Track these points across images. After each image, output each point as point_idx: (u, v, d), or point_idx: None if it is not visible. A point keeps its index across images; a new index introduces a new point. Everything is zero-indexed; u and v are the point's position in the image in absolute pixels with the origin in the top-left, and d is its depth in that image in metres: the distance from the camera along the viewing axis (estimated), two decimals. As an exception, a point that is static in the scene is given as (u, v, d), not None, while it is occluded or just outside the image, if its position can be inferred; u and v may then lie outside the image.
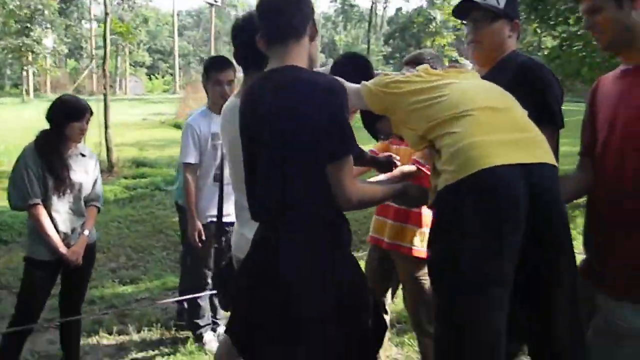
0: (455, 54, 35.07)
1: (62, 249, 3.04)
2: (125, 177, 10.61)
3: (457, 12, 2.14)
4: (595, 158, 1.78)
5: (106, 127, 11.02)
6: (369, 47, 38.85)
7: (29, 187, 2.96)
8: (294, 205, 1.68)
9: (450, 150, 1.61)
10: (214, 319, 3.87)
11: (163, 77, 65.07)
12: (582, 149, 1.90)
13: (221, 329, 3.84)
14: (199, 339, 3.74)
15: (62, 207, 3.07)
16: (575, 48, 8.28)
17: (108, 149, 11.09)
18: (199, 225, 3.55)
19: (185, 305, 4.14)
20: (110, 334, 4.03)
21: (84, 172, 3.18)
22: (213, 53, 47.35)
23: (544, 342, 1.63)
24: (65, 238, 3.08)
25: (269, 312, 1.69)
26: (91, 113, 3.15)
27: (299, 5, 1.75)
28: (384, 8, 42.09)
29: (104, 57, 10.83)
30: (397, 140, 2.72)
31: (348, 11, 43.94)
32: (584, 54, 7.84)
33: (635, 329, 1.63)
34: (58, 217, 3.05)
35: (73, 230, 3.12)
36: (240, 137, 1.83)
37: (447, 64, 3.64)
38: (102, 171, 10.42)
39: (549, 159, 1.63)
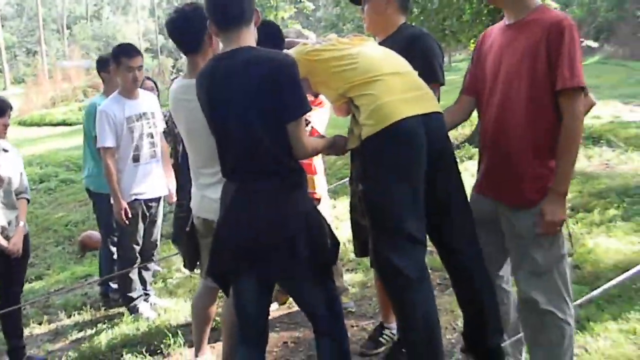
0: (298, 26, 36.05)
1: (3, 242, 3.17)
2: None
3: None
4: (480, 95, 2.37)
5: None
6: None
7: (-38, 186, 3.04)
8: (266, 159, 2.13)
9: (369, 109, 2.16)
10: (145, 291, 4.14)
11: (-14, 73, 58.70)
12: (464, 88, 2.50)
13: (152, 299, 4.14)
14: (134, 310, 3.99)
15: (-5, 201, 3.19)
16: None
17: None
18: (124, 204, 3.79)
19: (111, 285, 4.39)
20: (40, 324, 4.14)
21: (10, 166, 3.30)
22: (43, 42, 43.70)
23: (443, 243, 2.28)
24: (3, 231, 3.21)
25: (256, 245, 2.16)
26: (11, 108, 3.26)
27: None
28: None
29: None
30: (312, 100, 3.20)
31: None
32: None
33: (518, 223, 2.27)
34: (-7, 211, 3.17)
35: (9, 223, 3.25)
36: (207, 109, 2.22)
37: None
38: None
39: (438, 108, 2.26)
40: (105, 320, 4.03)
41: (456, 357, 2.83)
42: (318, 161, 3.44)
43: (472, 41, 9.49)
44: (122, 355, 3.31)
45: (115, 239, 4.18)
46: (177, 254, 4.64)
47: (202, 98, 2.24)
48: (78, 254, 5.98)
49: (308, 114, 2.19)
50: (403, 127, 2.09)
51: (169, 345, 3.34)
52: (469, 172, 5.93)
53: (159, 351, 3.34)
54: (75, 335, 3.88)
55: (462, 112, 2.48)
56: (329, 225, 2.34)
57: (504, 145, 2.22)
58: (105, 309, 4.28)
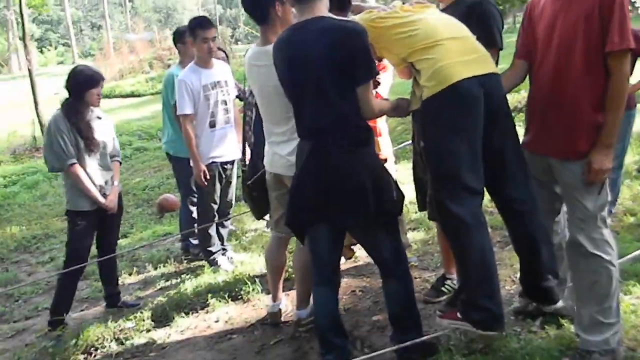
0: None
1: (102, 199, 3.58)
2: (67, 150, 10.67)
3: None
4: (534, 60, 2.52)
5: (36, 104, 10.93)
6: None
7: (65, 150, 3.44)
8: (338, 119, 2.37)
9: (429, 71, 2.33)
10: (222, 246, 4.50)
11: (55, 48, 61.32)
12: (517, 53, 2.65)
13: (229, 254, 4.50)
14: (213, 263, 4.36)
15: (93, 164, 3.58)
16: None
17: (42, 125, 11.01)
18: (203, 166, 4.11)
19: (191, 241, 4.79)
20: (130, 275, 4.60)
21: (105, 132, 3.68)
22: (107, 16, 45.11)
23: (501, 194, 2.45)
24: (101, 190, 3.60)
25: (329, 197, 2.41)
26: (103, 79, 3.62)
27: None
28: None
29: (23, 33, 10.62)
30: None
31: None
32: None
33: (568, 175, 2.44)
34: (92, 173, 3.57)
35: (106, 182, 3.65)
36: (284, 74, 2.46)
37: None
38: (39, 148, 10.55)
39: (494, 69, 2.41)
40: (188, 272, 4.43)
41: (514, 305, 3.00)
42: (382, 124, 3.63)
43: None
44: (207, 300, 3.67)
45: (195, 199, 4.55)
46: (248, 211, 4.97)
47: (279, 64, 2.48)
48: (157, 215, 6.45)
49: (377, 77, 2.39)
50: (462, 87, 2.26)
51: (248, 292, 3.68)
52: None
53: (239, 297, 3.68)
54: (163, 284, 4.30)
55: (516, 76, 2.63)
56: (395, 180, 2.56)
57: (560, 101, 2.35)
58: (187, 263, 4.69)
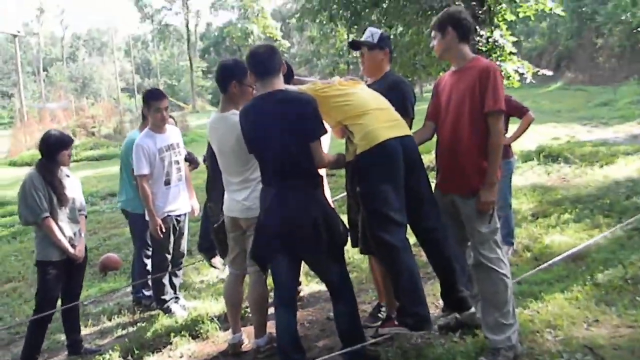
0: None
1: (72, 249, 3.92)
2: (-6, 218, 10.52)
3: (350, 46, 3.62)
4: (438, 121, 3.29)
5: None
6: (191, 64, 39.51)
7: (39, 204, 3.80)
8: (297, 168, 2.97)
9: (361, 133, 3.01)
10: (175, 295, 4.86)
11: (-39, 117, 58.59)
12: (427, 116, 3.40)
13: (182, 301, 4.87)
14: (167, 310, 4.70)
15: (64, 217, 3.95)
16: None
17: (-36, 194, 10.82)
18: (159, 220, 4.53)
19: (144, 292, 5.10)
20: (85, 326, 4.82)
21: (73, 188, 4.07)
22: (21, 83, 44.01)
23: (419, 225, 3.11)
24: (71, 241, 3.95)
25: (289, 232, 2.97)
26: (72, 142, 4.05)
27: (276, 55, 3.05)
28: (196, 25, 43.27)
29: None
30: None
31: (164, 31, 44.10)
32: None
33: (466, 208, 3.15)
34: (63, 226, 3.92)
35: (74, 234, 4.00)
36: (250, 135, 3.05)
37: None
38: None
39: (409, 132, 3.13)
40: (143, 321, 4.73)
41: (439, 323, 3.62)
42: (322, 172, 4.24)
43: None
44: (169, 340, 4.02)
45: (149, 252, 4.92)
46: (197, 262, 5.38)
47: (245, 127, 3.08)
48: (100, 274, 6.63)
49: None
50: (387, 145, 2.96)
51: (207, 330, 4.08)
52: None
53: (199, 335, 4.06)
54: (120, 332, 4.58)
55: (426, 133, 3.39)
56: (339, 216, 3.17)
57: (456, 151, 3.12)
58: (140, 313, 4.98)
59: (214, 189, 4.01)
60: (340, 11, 10.72)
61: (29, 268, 7.33)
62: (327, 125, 3.84)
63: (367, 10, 10.69)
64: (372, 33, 3.54)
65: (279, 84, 3.06)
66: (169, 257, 4.71)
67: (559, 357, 3.07)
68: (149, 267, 4.96)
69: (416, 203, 3.04)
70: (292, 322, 3.16)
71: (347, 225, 3.69)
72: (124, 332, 4.59)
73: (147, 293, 5.08)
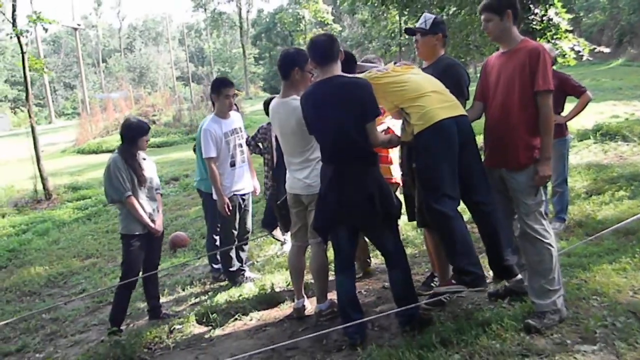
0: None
1: (152, 224, 4.37)
2: (69, 201, 11.33)
3: (406, 32, 3.87)
4: (487, 101, 3.50)
5: (38, 159, 11.60)
6: (244, 51, 40.18)
7: (123, 184, 4.25)
8: (354, 147, 3.27)
9: (419, 114, 3.26)
10: (241, 267, 5.28)
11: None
12: (476, 96, 3.61)
13: (247, 273, 5.28)
14: (234, 282, 5.13)
15: (143, 196, 4.40)
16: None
17: (43, 179, 11.66)
18: (226, 199, 4.93)
19: (213, 265, 5.55)
20: (162, 296, 5.30)
21: (150, 169, 4.51)
22: (83, 75, 46.04)
23: (470, 199, 3.35)
24: (150, 217, 4.40)
25: (348, 205, 3.28)
26: (150, 128, 4.48)
27: (335, 44, 3.36)
28: (247, 12, 43.90)
29: (27, 93, 11.43)
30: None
31: (217, 19, 45.00)
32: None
33: (513, 182, 3.37)
34: (143, 203, 4.38)
35: (153, 210, 4.45)
36: (311, 116, 3.36)
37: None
38: (40, 200, 11.20)
39: (463, 112, 3.35)
40: (213, 291, 5.18)
41: (488, 290, 3.85)
42: (394, 154, 4.40)
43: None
44: (239, 307, 4.42)
45: (218, 229, 5.35)
46: (255, 239, 5.78)
47: (306, 110, 3.40)
48: (170, 251, 7.17)
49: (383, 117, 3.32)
50: (442, 125, 3.20)
51: (274, 298, 4.45)
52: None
53: (266, 303, 4.44)
54: (194, 300, 5.04)
55: (475, 113, 3.60)
56: (392, 191, 3.46)
57: (505, 128, 3.32)
58: (210, 284, 5.44)
59: (278, 169, 4.36)
60: (393, -6, 10.86)
61: (105, 246, 8.01)
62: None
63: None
64: (425, 19, 3.76)
65: (337, 70, 3.35)
66: (235, 232, 5.11)
67: (603, 321, 3.25)
68: (217, 243, 5.39)
69: (468, 178, 3.28)
70: (351, 286, 3.48)
71: (404, 200, 3.98)
72: (197, 300, 5.04)
73: (216, 266, 5.52)
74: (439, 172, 3.19)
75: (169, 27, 69.42)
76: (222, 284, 5.35)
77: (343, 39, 42.83)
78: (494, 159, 3.45)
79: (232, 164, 5.00)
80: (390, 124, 4.10)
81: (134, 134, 4.35)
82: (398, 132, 4.24)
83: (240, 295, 4.72)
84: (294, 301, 4.19)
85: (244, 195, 5.11)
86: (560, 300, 3.32)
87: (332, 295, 4.01)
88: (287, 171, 3.93)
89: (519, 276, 3.55)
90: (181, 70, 67.99)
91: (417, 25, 3.79)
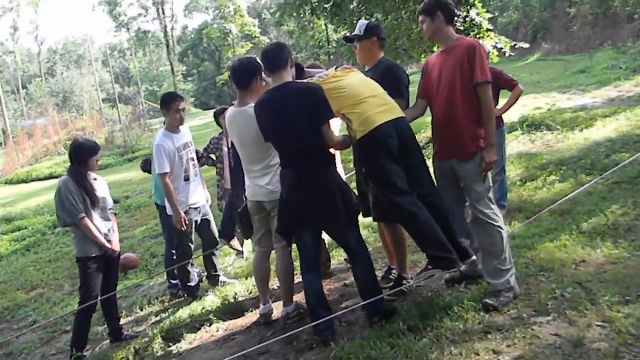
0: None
1: (108, 244, 4.32)
2: (4, 233, 10.85)
3: (345, 40, 4.03)
4: (430, 98, 3.71)
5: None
6: (172, 69, 39.61)
7: (75, 206, 4.18)
8: (312, 149, 3.38)
9: (359, 120, 3.42)
10: (215, 273, 5.31)
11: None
12: (418, 94, 3.82)
13: (222, 278, 5.33)
14: (194, 296, 5.12)
15: (97, 216, 4.33)
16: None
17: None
18: (182, 213, 4.92)
19: (171, 281, 5.51)
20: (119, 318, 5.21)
21: (102, 189, 4.45)
22: (3, 104, 43.90)
23: (418, 190, 3.52)
24: (106, 237, 4.34)
25: (310, 206, 3.39)
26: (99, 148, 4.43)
27: (284, 51, 3.47)
28: (172, 29, 43.35)
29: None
30: None
31: (143, 38, 44.16)
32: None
33: (463, 171, 3.59)
34: (98, 224, 4.31)
35: (108, 230, 4.39)
36: (266, 123, 3.45)
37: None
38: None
39: (401, 114, 3.53)
40: (174, 308, 5.14)
41: (445, 277, 4.06)
42: (337, 154, 4.57)
43: (422, 55, 10.99)
44: (203, 320, 4.42)
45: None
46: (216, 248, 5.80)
47: (262, 116, 3.48)
48: (121, 273, 7.02)
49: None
50: (382, 128, 3.38)
51: (236, 307, 4.49)
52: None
53: (230, 313, 4.46)
54: (154, 319, 4.99)
55: (418, 111, 3.82)
56: (351, 189, 3.60)
57: (452, 122, 3.55)
58: (169, 301, 5.39)
59: (234, 177, 4.41)
60: (322, 3, 11.09)
61: (49, 275, 7.75)
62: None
63: (346, 1, 11.07)
64: (360, 26, 3.95)
65: (288, 77, 3.46)
66: (192, 246, 5.12)
67: (552, 293, 3.51)
68: (174, 257, 5.36)
69: (412, 173, 3.45)
70: (318, 284, 3.59)
71: (359, 197, 4.12)
72: (157, 318, 4.99)
73: (173, 282, 5.48)
74: (387, 170, 3.36)
75: (91, 48, 67.39)
76: (180, 300, 5.31)
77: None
78: (443, 151, 3.66)
79: (186, 178, 5.01)
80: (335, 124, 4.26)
81: (85, 154, 4.29)
82: (337, 132, 4.40)
83: (203, 308, 4.72)
84: (258, 308, 4.24)
85: (198, 208, 5.12)
86: (513, 279, 3.56)
87: (297, 298, 4.11)
88: (246, 179, 3.99)
89: (474, 257, 3.76)
90: (107, 91, 66.07)
91: (354, 32, 3.98)
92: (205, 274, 5.38)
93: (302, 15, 13.16)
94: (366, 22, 4.06)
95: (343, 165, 4.73)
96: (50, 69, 74.40)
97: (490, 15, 10.86)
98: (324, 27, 27.77)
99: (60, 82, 68.62)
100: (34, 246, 9.65)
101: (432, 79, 3.68)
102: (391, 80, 3.78)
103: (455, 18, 9.94)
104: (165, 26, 40.52)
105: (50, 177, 17.78)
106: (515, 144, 9.33)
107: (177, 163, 4.93)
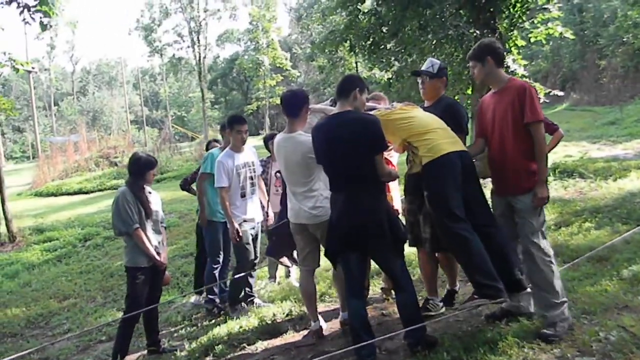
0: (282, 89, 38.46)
1: (157, 257, 4.45)
2: (36, 243, 11.06)
3: (413, 73, 4.20)
4: (487, 136, 3.84)
5: (2, 201, 11.33)
6: (203, 96, 40.38)
7: (131, 217, 4.34)
8: (364, 176, 3.51)
9: (427, 147, 3.59)
10: (250, 294, 5.41)
11: (-26, 152, 59.49)
12: (476, 134, 3.98)
13: (257, 301, 5.42)
14: (235, 311, 5.20)
15: (150, 228, 4.48)
16: (406, 79, 11.13)
17: (7, 221, 11.37)
18: (237, 226, 5.07)
19: (209, 296, 5.61)
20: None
21: (156, 203, 4.61)
22: (36, 119, 45.07)
23: (473, 223, 3.62)
24: (156, 249, 4.48)
25: (359, 231, 3.50)
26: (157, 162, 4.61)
27: (354, 83, 3.67)
28: (204, 57, 44.52)
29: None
30: None
31: (176, 64, 45.30)
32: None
33: (519, 204, 3.68)
34: (150, 236, 4.46)
35: (159, 243, 4.53)
36: (322, 146, 3.60)
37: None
38: (4, 243, 10.97)
39: (464, 147, 3.69)
40: (208, 326, 5.22)
41: (485, 313, 4.10)
42: (394, 184, 4.58)
43: (456, 96, 11.17)
44: (242, 338, 4.49)
45: (218, 258, 5.49)
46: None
47: (319, 138, 3.64)
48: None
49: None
50: (449, 156, 3.54)
51: (277, 328, 4.55)
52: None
53: (269, 333, 4.53)
54: (189, 335, 5.06)
55: (479, 148, 3.95)
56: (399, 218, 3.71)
57: (506, 159, 3.68)
58: (202, 320, 5.47)
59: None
60: (360, 41, 11.38)
61: (81, 286, 7.90)
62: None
63: (385, 40, 11.35)
64: (432, 64, 4.16)
65: (349, 106, 3.63)
66: (252, 259, 5.24)
67: (596, 336, 3.54)
68: (216, 272, 5.49)
69: (471, 204, 3.57)
70: (362, 309, 3.66)
71: (409, 227, 4.22)
72: (193, 335, 5.07)
73: (211, 296, 5.63)
74: (448, 197, 3.48)
75: (123, 71, 69.10)
76: (213, 320, 5.39)
77: (299, 84, 43.75)
78: (501, 187, 3.79)
79: (243, 195, 5.22)
80: (386, 155, 4.40)
81: (143, 168, 4.47)
82: (394, 162, 4.53)
83: (240, 327, 4.79)
84: (296, 330, 4.31)
85: (253, 223, 5.28)
86: (567, 310, 3.64)
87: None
88: (289, 201, 4.13)
89: (528, 289, 3.80)
90: (135, 113, 67.46)
91: (424, 68, 4.18)
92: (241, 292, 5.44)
93: (340, 51, 13.49)
94: (438, 61, 4.27)
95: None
96: (83, 88, 76.24)
97: (526, 62, 11.03)
98: (354, 64, 28.19)
99: (92, 102, 70.25)
100: (65, 257, 9.84)
101: (486, 118, 3.83)
102: (453, 116, 3.95)
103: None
104: (199, 54, 41.49)
105: (80, 192, 18.15)
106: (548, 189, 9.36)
107: (234, 180, 5.14)
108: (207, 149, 6.35)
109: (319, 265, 4.21)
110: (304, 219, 4.00)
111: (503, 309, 4.02)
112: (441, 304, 4.38)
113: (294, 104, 4.02)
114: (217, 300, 5.52)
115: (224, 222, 5.39)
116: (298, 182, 4.00)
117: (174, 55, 43.87)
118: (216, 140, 6.43)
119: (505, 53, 10.58)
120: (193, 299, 6.19)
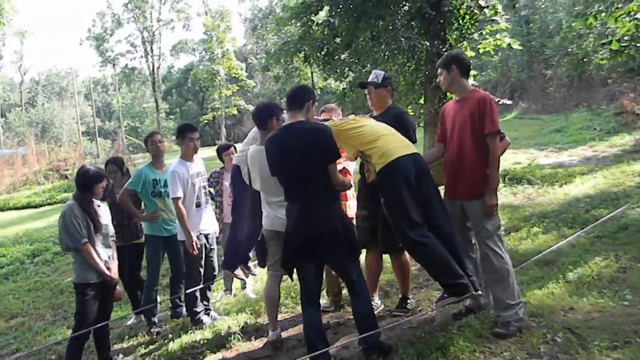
0: (241, 102, 38.24)
1: (107, 272, 4.34)
2: (-20, 261, 10.60)
3: (360, 85, 4.27)
4: (446, 142, 3.94)
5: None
6: (157, 106, 39.83)
7: (79, 231, 4.22)
8: (317, 187, 3.53)
9: (378, 154, 3.65)
10: (207, 306, 5.33)
11: None
12: (437, 139, 4.09)
13: (213, 313, 5.35)
14: (198, 322, 5.11)
15: (99, 243, 4.37)
16: (360, 89, 11.30)
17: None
18: (195, 237, 4.98)
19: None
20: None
21: (105, 216, 4.51)
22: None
23: (429, 224, 3.69)
24: (105, 264, 4.37)
25: (314, 240, 3.51)
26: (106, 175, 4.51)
27: (306, 95, 3.70)
28: (158, 67, 43.82)
29: None
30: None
31: (130, 74, 44.49)
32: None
33: (474, 209, 3.80)
34: (99, 250, 4.34)
35: (109, 258, 4.43)
36: (276, 157, 3.61)
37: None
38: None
39: (416, 150, 3.76)
40: (161, 340, 5.11)
41: (452, 312, 4.17)
42: (350, 192, 4.68)
43: (409, 107, 11.37)
44: (196, 353, 4.43)
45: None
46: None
47: (272, 150, 3.64)
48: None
49: (341, 159, 3.64)
50: (401, 160, 3.61)
51: (230, 340, 4.51)
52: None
53: (223, 346, 4.48)
54: (143, 350, 4.95)
55: (439, 152, 4.08)
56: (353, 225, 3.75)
57: (463, 164, 3.81)
58: (156, 334, 5.35)
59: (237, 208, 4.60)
60: (315, 52, 11.47)
61: (29, 304, 7.63)
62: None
63: (338, 50, 11.47)
64: (377, 75, 4.26)
65: (301, 116, 3.66)
66: (202, 271, 5.17)
67: (544, 338, 3.65)
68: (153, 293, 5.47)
69: (427, 206, 3.64)
70: (318, 319, 3.68)
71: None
72: (146, 350, 4.96)
73: (177, 309, 5.60)
74: (405, 203, 3.54)
75: (74, 81, 67.32)
76: (165, 333, 5.29)
77: (255, 94, 43.61)
78: (454, 191, 3.91)
79: (198, 205, 5.15)
80: (345, 164, 4.46)
81: (91, 181, 4.36)
82: (351, 170, 4.60)
83: (194, 341, 4.72)
84: (248, 341, 4.28)
85: (208, 235, 5.23)
86: (522, 311, 3.78)
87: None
88: (263, 209, 4.14)
89: (479, 292, 3.87)
90: (87, 125, 65.79)
91: (370, 79, 4.26)
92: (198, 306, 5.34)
93: (294, 62, 13.57)
94: (382, 72, 4.39)
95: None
96: (32, 99, 73.88)
97: (475, 73, 11.34)
98: (309, 74, 28.38)
99: (41, 113, 68.15)
100: (13, 274, 9.48)
101: (447, 125, 3.97)
102: (402, 125, 4.05)
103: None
104: (153, 64, 40.93)
105: (29, 206, 17.50)
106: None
107: (189, 190, 5.06)
108: (219, 156, 6.30)
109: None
110: (279, 226, 3.98)
111: (467, 307, 4.15)
112: (379, 302, 4.65)
113: (260, 117, 4.07)
114: (155, 320, 5.46)
115: (167, 236, 5.38)
116: (273, 192, 4.00)
117: (126, 65, 43.16)
118: (229, 146, 6.33)
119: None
120: (130, 321, 6.02)
